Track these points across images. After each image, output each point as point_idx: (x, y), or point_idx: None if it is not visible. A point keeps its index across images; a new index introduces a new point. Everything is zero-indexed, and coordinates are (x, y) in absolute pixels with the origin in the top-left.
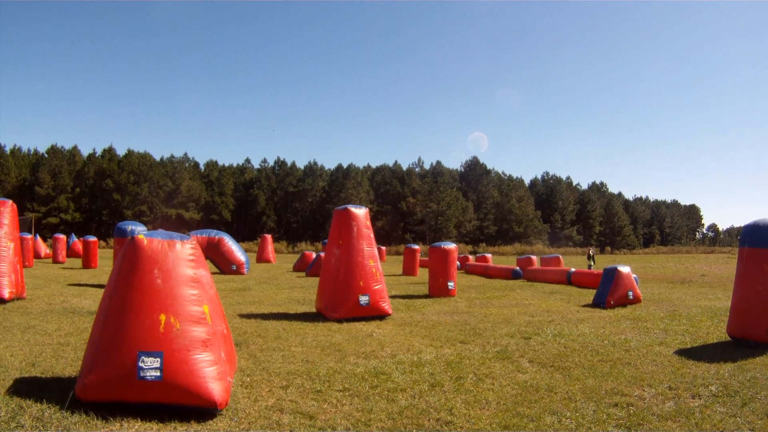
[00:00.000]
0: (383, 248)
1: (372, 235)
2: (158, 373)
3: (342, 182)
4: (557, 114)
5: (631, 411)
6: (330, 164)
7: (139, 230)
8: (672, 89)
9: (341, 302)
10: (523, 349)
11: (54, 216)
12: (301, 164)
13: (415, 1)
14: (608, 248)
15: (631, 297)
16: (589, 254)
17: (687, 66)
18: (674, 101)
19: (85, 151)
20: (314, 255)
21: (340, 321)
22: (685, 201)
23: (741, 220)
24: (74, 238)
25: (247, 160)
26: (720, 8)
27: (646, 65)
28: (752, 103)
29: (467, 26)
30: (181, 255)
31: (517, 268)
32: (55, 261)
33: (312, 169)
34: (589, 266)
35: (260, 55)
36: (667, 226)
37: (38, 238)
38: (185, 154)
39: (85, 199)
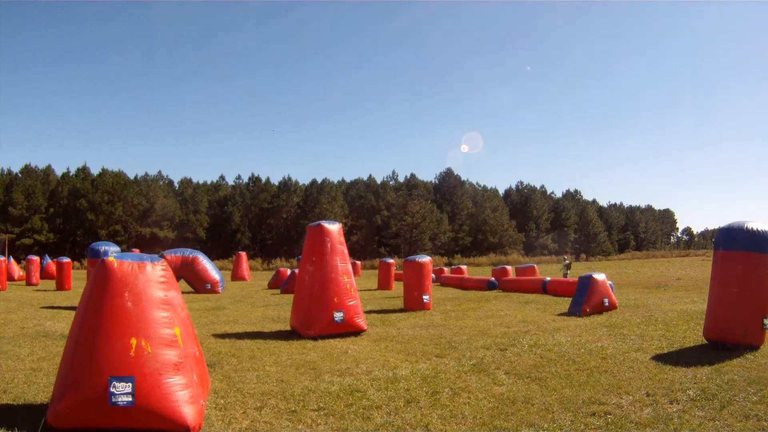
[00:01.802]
0: (358, 263)
1: (346, 251)
2: (130, 398)
3: (316, 197)
4: (531, 123)
5: (609, 420)
6: (304, 179)
7: (112, 251)
8: (644, 94)
9: (316, 319)
10: (499, 361)
11: (28, 237)
12: (275, 180)
13: (388, 10)
14: (583, 255)
15: (606, 304)
16: (564, 263)
17: (658, 71)
18: (646, 107)
19: (59, 171)
20: (289, 272)
21: (314, 338)
22: (659, 206)
23: (715, 222)
24: (48, 260)
25: (222, 177)
26: (683, 8)
27: (618, 71)
28: (723, 106)
29: (439, 37)
30: (151, 277)
31: (493, 278)
32: (29, 283)
33: (286, 185)
34: (565, 275)
35: (233, 71)
36: (641, 231)
37: (11, 260)
38: (159, 172)
39: (59, 219)
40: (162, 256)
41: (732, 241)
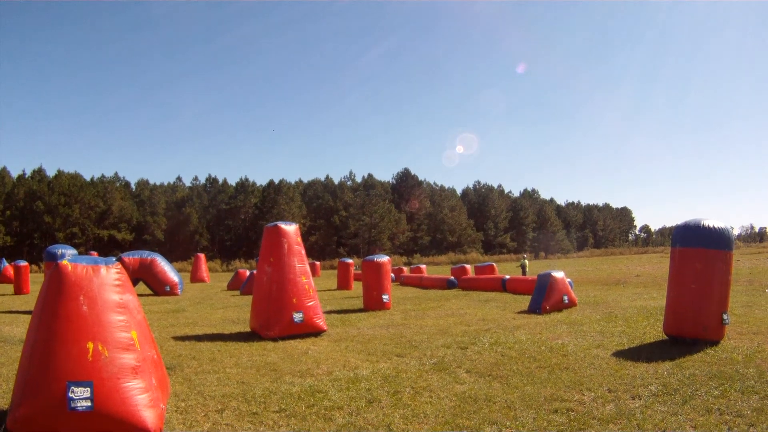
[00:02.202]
0: (317, 263)
1: (303, 252)
2: (89, 404)
3: (274, 198)
4: (488, 122)
5: (572, 416)
6: (262, 180)
7: (69, 254)
8: (598, 94)
9: (275, 320)
10: (460, 360)
11: None
12: (232, 181)
13: (345, 14)
14: (542, 254)
15: (566, 301)
16: (522, 261)
17: (612, 70)
18: (601, 105)
19: (14, 172)
20: (248, 273)
21: (275, 339)
22: (616, 204)
23: (672, 220)
24: (5, 263)
25: (179, 178)
26: (643, 6)
27: (572, 70)
28: (680, 104)
29: (396, 38)
30: (106, 280)
31: (452, 277)
32: None
33: (244, 186)
34: (523, 273)
35: (189, 70)
36: (599, 229)
37: None
38: (116, 173)
39: (15, 222)
40: (119, 259)
41: (689, 239)
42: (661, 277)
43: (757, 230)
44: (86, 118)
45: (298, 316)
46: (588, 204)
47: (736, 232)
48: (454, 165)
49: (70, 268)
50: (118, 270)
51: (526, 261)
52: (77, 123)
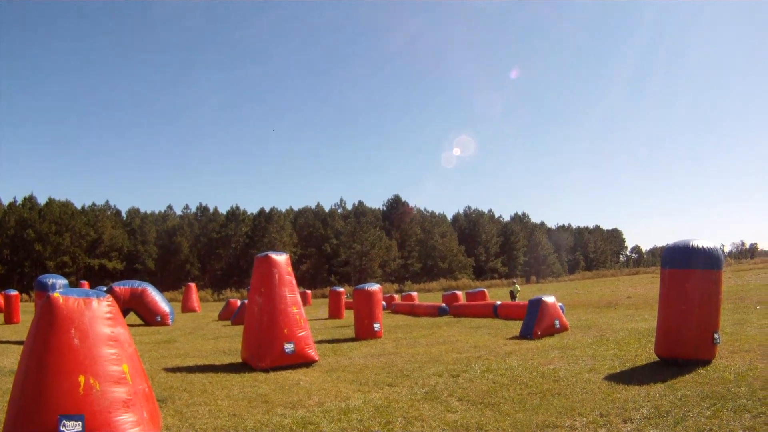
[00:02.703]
0: (308, 292)
1: (294, 282)
2: None
3: (265, 226)
4: (476, 148)
5: None
6: (252, 208)
7: (60, 284)
8: (586, 117)
9: (266, 351)
10: (451, 388)
11: None
12: (223, 209)
13: (331, 38)
14: (533, 278)
15: (557, 326)
16: (513, 288)
17: (598, 95)
18: (588, 129)
19: (5, 200)
20: (239, 302)
21: (266, 370)
22: (607, 225)
23: (663, 239)
24: None
25: (170, 207)
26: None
27: (558, 96)
28: (667, 121)
29: (381, 63)
30: (97, 313)
31: (443, 304)
32: None
33: (234, 215)
34: (513, 298)
35: (179, 98)
36: (590, 251)
37: None
38: (107, 201)
39: (6, 250)
40: (110, 289)
41: (677, 260)
42: (653, 298)
43: (747, 246)
44: (77, 145)
45: (289, 347)
46: (578, 226)
47: (727, 249)
48: (451, 166)
49: (61, 300)
50: (109, 303)
51: (517, 286)
52: (68, 150)
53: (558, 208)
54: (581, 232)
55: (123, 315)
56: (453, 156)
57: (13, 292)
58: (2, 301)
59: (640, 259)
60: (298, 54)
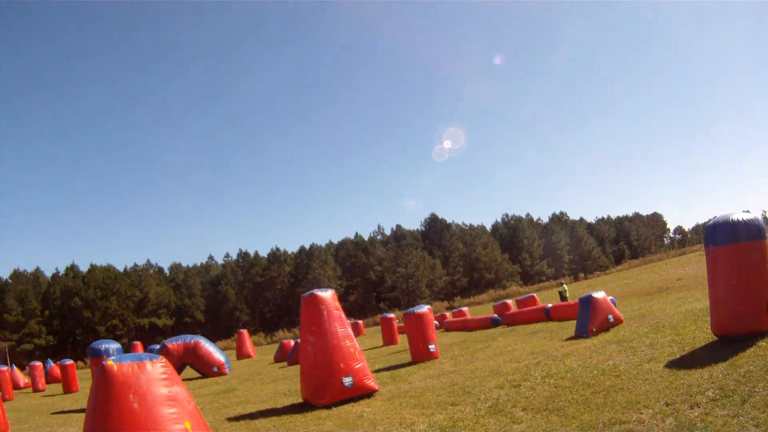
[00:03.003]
0: (360, 322)
1: (343, 315)
2: None
3: (307, 264)
4: (505, 154)
5: None
6: (293, 247)
7: (113, 348)
8: (610, 104)
9: (325, 388)
10: (514, 399)
11: (27, 342)
12: (264, 252)
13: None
14: (581, 274)
15: (611, 320)
16: (561, 289)
17: (624, 77)
18: (616, 117)
19: (48, 272)
20: (293, 342)
21: (328, 407)
22: (646, 211)
23: (705, 216)
24: (51, 363)
25: (210, 257)
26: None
27: (583, 84)
28: (694, 100)
29: (394, 80)
30: (153, 375)
31: (496, 315)
32: (35, 390)
33: (275, 256)
34: (564, 299)
35: (204, 151)
36: (633, 239)
37: (14, 368)
38: (148, 260)
39: (56, 320)
40: (163, 346)
41: (719, 237)
42: (702, 277)
43: None
44: (113, 210)
45: (347, 381)
46: (618, 216)
47: None
48: (442, 160)
49: (116, 368)
50: (163, 363)
51: (565, 286)
52: (105, 216)
53: (595, 202)
54: (621, 221)
55: (179, 370)
56: (443, 149)
57: (68, 362)
58: (59, 371)
59: (685, 239)
60: (322, 82)
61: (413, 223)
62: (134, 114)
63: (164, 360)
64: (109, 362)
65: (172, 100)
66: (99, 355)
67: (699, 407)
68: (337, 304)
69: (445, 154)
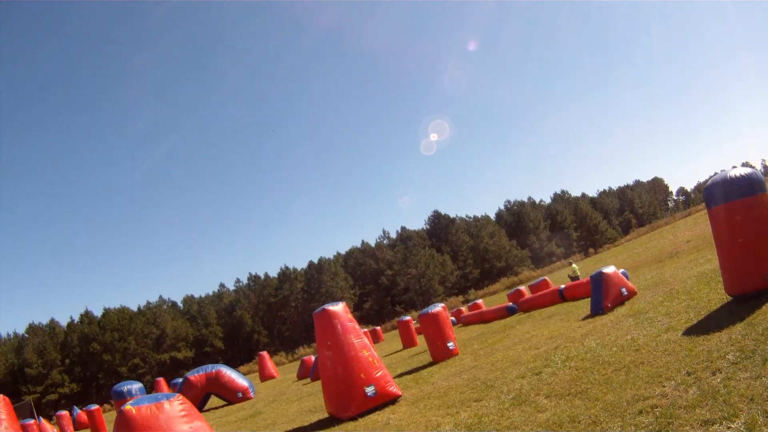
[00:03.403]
0: (378, 328)
1: (357, 326)
2: None
3: (318, 278)
4: (495, 141)
5: (657, 413)
6: (302, 263)
7: (135, 388)
8: (596, 79)
9: (349, 399)
10: (537, 387)
11: (52, 393)
12: (273, 273)
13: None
14: (591, 249)
15: (625, 293)
16: (570, 271)
17: (603, 44)
18: (600, 91)
19: (62, 321)
20: (313, 358)
21: (354, 418)
22: (646, 177)
23: (705, 173)
24: (77, 411)
25: (222, 285)
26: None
27: (565, 59)
28: (677, 56)
29: (385, 86)
30: (171, 414)
31: (510, 303)
32: None
33: (286, 275)
34: (576, 278)
35: (206, 184)
36: (638, 207)
37: (42, 420)
38: (160, 296)
39: (77, 368)
40: (186, 379)
41: (719, 196)
42: (711, 236)
43: None
44: (118, 252)
45: (370, 390)
46: (619, 186)
47: None
48: (431, 153)
49: (134, 411)
50: (181, 401)
51: (574, 266)
52: (110, 259)
53: (594, 176)
54: (623, 191)
55: (204, 400)
56: (430, 142)
57: (94, 407)
58: (86, 418)
59: (689, 200)
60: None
61: (417, 222)
62: (128, 152)
63: (181, 397)
64: (127, 407)
65: (163, 131)
66: (122, 397)
67: (721, 372)
68: (350, 315)
69: (433, 147)
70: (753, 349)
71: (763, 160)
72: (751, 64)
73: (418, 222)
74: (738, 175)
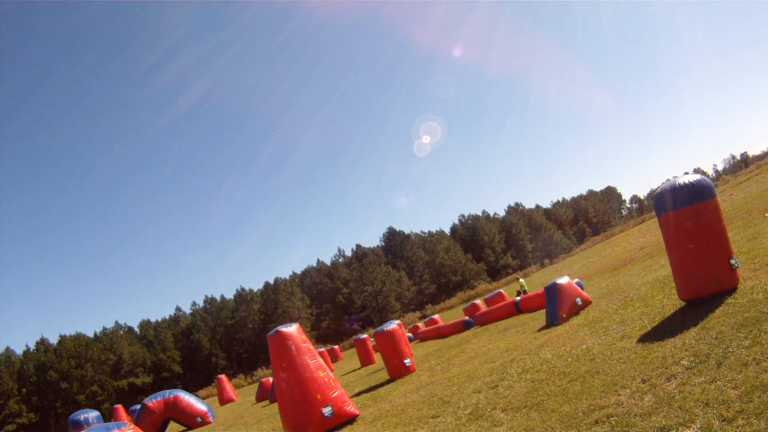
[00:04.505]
0: (335, 347)
1: (312, 347)
2: None
3: (275, 298)
4: (450, 154)
5: (613, 422)
6: (257, 285)
7: (92, 417)
8: (546, 94)
9: (307, 421)
10: (493, 400)
11: (9, 423)
12: (229, 295)
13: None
14: (546, 260)
15: (579, 303)
16: (519, 287)
17: (553, 61)
18: (551, 104)
19: (18, 349)
20: (271, 380)
21: None
22: (599, 187)
23: (657, 181)
24: None
25: (178, 308)
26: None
27: (516, 73)
28: (628, 70)
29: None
30: None
31: (467, 318)
32: None
33: (242, 296)
34: (525, 292)
35: (157, 206)
36: (592, 216)
37: None
38: (116, 322)
39: (34, 396)
40: (143, 405)
41: (668, 203)
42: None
43: (739, 157)
44: (72, 279)
45: (327, 411)
46: (573, 197)
47: (720, 167)
48: (424, 155)
49: None
50: (132, 429)
51: (521, 281)
52: (65, 286)
53: (548, 187)
54: (577, 201)
55: (164, 426)
56: (422, 143)
57: None
58: None
59: (642, 207)
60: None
61: (372, 240)
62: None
63: (132, 426)
64: None
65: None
66: (80, 426)
67: (676, 378)
68: (304, 337)
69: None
70: (707, 354)
71: (715, 166)
72: (703, 71)
73: (373, 239)
74: (687, 182)
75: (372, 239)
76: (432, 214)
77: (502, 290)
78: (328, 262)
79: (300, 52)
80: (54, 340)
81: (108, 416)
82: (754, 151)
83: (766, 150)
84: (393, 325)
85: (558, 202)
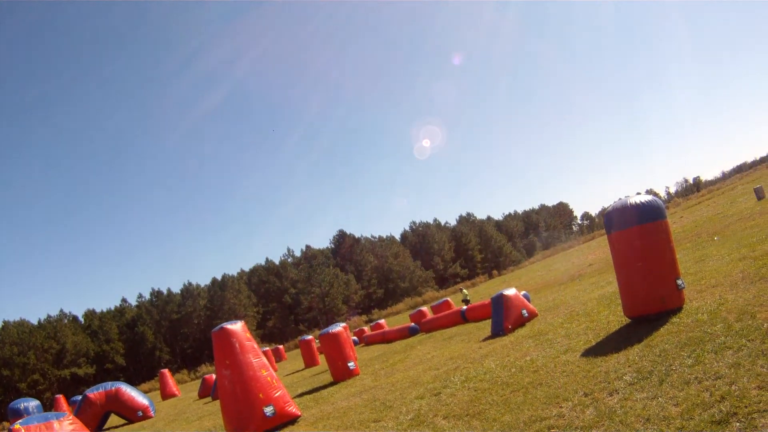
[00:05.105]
0: (280, 347)
1: (256, 345)
2: None
3: (222, 295)
4: (404, 162)
5: None
6: (205, 280)
7: (32, 406)
8: (507, 106)
9: (248, 420)
10: (435, 407)
11: None
12: (176, 289)
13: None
14: (495, 271)
15: (526, 315)
16: (463, 297)
17: (513, 73)
18: (509, 117)
19: None
20: (214, 376)
21: None
22: (551, 202)
23: (608, 199)
24: None
25: (124, 300)
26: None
27: (479, 84)
28: (585, 89)
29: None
30: None
31: (413, 324)
32: None
33: (189, 291)
34: (468, 301)
35: (111, 193)
36: (542, 230)
37: None
38: (61, 310)
39: None
40: (85, 396)
41: (619, 222)
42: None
43: (691, 181)
44: (17, 262)
45: (269, 410)
46: (525, 210)
47: (672, 189)
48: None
49: (23, 431)
50: (71, 420)
51: (465, 291)
52: (9, 270)
53: (500, 199)
54: (528, 215)
55: (104, 419)
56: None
57: None
58: None
59: (593, 224)
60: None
61: (322, 241)
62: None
63: (72, 417)
64: (17, 426)
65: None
66: (19, 415)
67: (618, 393)
68: (248, 335)
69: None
70: (650, 370)
71: (667, 189)
72: (665, 95)
73: (323, 241)
74: (637, 202)
75: (322, 241)
76: (383, 220)
77: (449, 298)
78: (277, 261)
79: None
80: None
81: (49, 406)
82: (706, 176)
83: (718, 175)
84: (338, 327)
85: (510, 214)
